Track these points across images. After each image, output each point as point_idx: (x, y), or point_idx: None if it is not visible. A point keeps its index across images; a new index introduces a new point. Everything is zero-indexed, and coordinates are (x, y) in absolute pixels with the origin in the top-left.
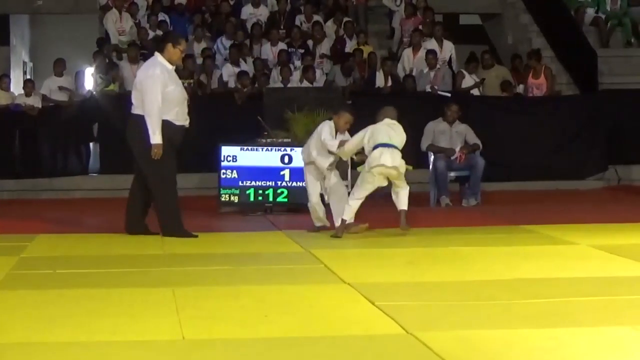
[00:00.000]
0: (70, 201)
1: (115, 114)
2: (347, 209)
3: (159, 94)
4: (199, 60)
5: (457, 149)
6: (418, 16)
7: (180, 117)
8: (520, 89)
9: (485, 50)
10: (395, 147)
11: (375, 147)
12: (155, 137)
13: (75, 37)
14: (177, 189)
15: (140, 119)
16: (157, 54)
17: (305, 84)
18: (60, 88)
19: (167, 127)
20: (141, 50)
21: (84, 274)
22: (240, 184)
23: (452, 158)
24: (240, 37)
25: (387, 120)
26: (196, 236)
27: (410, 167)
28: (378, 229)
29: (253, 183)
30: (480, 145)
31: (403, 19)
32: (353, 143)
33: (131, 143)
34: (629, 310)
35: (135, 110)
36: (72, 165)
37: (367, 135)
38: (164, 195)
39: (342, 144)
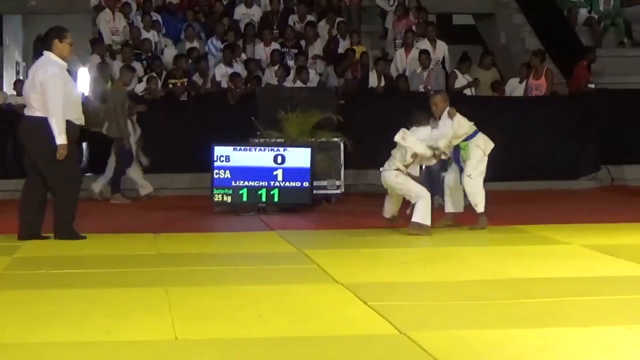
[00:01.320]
0: None
1: None
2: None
3: (61, 94)
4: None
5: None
6: (410, 17)
7: (78, 116)
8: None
9: (486, 52)
10: None
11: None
12: (61, 138)
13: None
14: (79, 188)
15: (40, 121)
16: (46, 52)
17: (299, 84)
18: None
19: (69, 126)
20: (135, 50)
21: (76, 274)
22: (233, 184)
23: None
24: (232, 38)
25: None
26: (84, 237)
27: None
28: (370, 229)
29: (246, 183)
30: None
31: (395, 20)
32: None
33: (29, 145)
34: (621, 310)
35: (35, 112)
36: None
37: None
38: (66, 196)
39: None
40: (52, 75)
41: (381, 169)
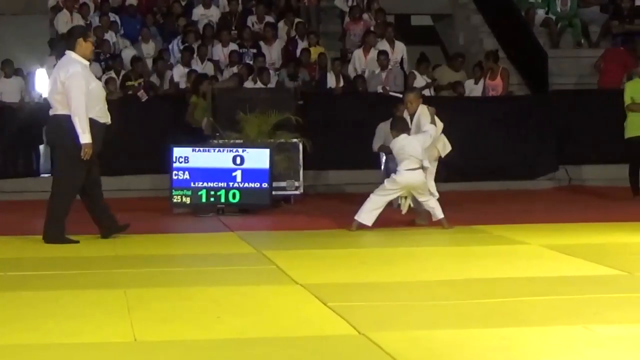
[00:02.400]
0: (19, 203)
1: None
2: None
3: (83, 92)
4: (149, 61)
5: None
6: (365, 18)
7: (103, 114)
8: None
9: (458, 53)
10: None
11: None
12: (85, 137)
13: (25, 38)
14: (78, 189)
15: (63, 119)
16: (68, 52)
17: (259, 84)
18: None
19: (93, 125)
20: (95, 50)
21: (34, 276)
22: (192, 185)
23: None
24: (192, 40)
25: None
26: (77, 242)
27: None
28: (330, 230)
29: (205, 184)
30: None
31: (349, 21)
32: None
33: (56, 144)
34: (580, 309)
35: (57, 111)
36: (22, 167)
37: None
38: (64, 199)
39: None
40: (74, 74)
41: (400, 169)
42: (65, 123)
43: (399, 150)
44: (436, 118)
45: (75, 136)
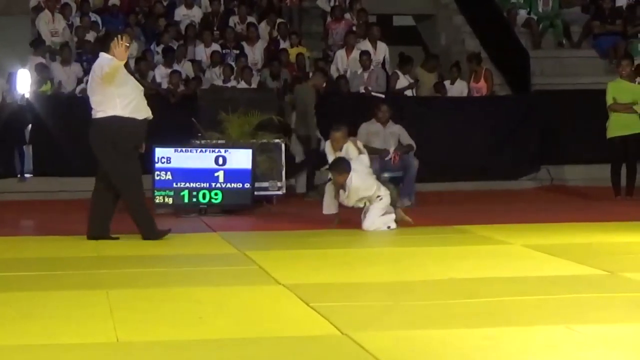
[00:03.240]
0: (2, 204)
1: (49, 116)
2: None
3: (118, 78)
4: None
5: (391, 150)
6: (347, 19)
7: (141, 109)
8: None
9: (430, 54)
10: None
11: None
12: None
13: (6, 38)
14: (140, 182)
15: (102, 122)
16: (102, 53)
17: (242, 85)
18: None
19: (129, 123)
20: (77, 51)
21: (15, 276)
22: (174, 185)
23: (386, 159)
24: (167, 40)
25: None
26: (169, 230)
27: None
28: (312, 230)
29: (187, 185)
30: (414, 146)
31: (331, 21)
32: None
33: (95, 146)
34: (563, 309)
35: (97, 113)
36: (3, 168)
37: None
38: (136, 197)
39: None
40: (102, 73)
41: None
42: (108, 126)
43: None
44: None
45: (122, 133)
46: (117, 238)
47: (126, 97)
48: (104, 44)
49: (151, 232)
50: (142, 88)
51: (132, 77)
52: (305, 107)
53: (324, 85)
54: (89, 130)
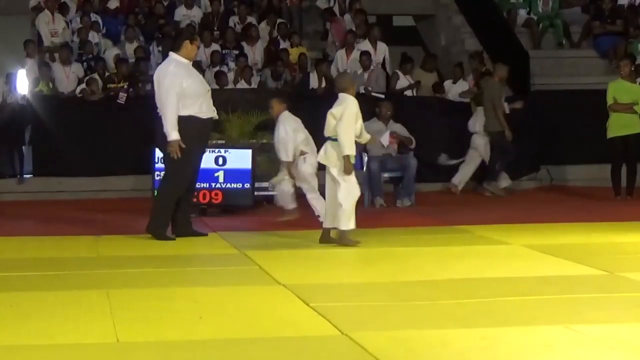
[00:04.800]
0: (2, 204)
1: (48, 116)
2: None
3: (173, 92)
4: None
5: (387, 134)
6: (345, 19)
7: (205, 109)
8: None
9: (429, 54)
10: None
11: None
12: (172, 134)
13: (6, 38)
14: (184, 190)
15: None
16: (171, 53)
17: (241, 85)
18: None
19: (192, 122)
20: (79, 51)
21: (17, 277)
22: None
23: (385, 146)
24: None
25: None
26: (174, 238)
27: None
28: (312, 230)
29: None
30: (414, 141)
31: (332, 22)
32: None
33: (161, 144)
34: (562, 309)
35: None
36: (4, 168)
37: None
38: (169, 196)
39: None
40: (165, 73)
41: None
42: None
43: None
44: (365, 132)
45: (181, 132)
46: (206, 234)
47: (188, 98)
48: (175, 44)
49: (156, 228)
50: (208, 88)
51: (197, 78)
52: (492, 102)
53: (507, 76)
54: (157, 128)
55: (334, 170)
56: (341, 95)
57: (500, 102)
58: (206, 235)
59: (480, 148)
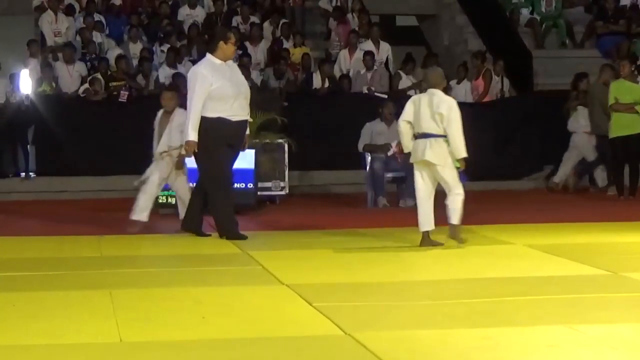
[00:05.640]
0: (5, 203)
1: (52, 116)
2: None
3: (198, 93)
4: (135, 62)
5: (394, 144)
6: (349, 19)
7: (237, 111)
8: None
9: (430, 53)
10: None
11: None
12: (190, 135)
13: (9, 38)
14: (230, 186)
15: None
16: (207, 54)
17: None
18: None
19: (220, 124)
20: (83, 51)
21: (19, 276)
22: None
23: (389, 154)
24: (172, 41)
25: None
26: (245, 237)
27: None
28: (315, 230)
29: (190, 185)
30: None
31: (335, 23)
32: None
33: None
34: (564, 309)
35: None
36: (7, 168)
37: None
38: (216, 194)
39: None
40: (194, 73)
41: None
42: (201, 126)
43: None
44: None
45: (204, 131)
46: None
47: (217, 100)
48: (210, 45)
49: (228, 232)
50: (241, 91)
51: (232, 79)
52: (602, 105)
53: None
54: None
55: (443, 169)
56: (434, 91)
57: (606, 106)
58: (209, 235)
59: (581, 146)
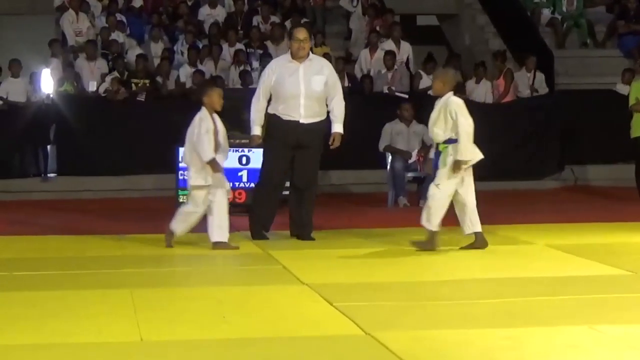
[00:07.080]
0: (27, 203)
1: (73, 115)
2: None
3: (261, 87)
4: (157, 61)
5: (415, 152)
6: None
7: (291, 111)
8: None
9: (453, 54)
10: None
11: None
12: (252, 129)
13: (30, 38)
14: (274, 187)
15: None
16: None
17: None
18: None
19: (273, 120)
20: (102, 51)
21: (41, 275)
22: None
23: (410, 162)
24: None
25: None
26: (267, 238)
27: None
28: (335, 229)
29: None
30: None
31: (364, 21)
32: None
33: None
34: (585, 309)
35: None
36: (28, 168)
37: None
38: (255, 188)
39: None
40: (265, 68)
41: None
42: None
43: None
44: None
45: (268, 130)
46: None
47: (275, 97)
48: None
49: (252, 230)
50: (305, 91)
51: (300, 79)
52: None
53: None
54: None
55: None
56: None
57: None
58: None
59: None
